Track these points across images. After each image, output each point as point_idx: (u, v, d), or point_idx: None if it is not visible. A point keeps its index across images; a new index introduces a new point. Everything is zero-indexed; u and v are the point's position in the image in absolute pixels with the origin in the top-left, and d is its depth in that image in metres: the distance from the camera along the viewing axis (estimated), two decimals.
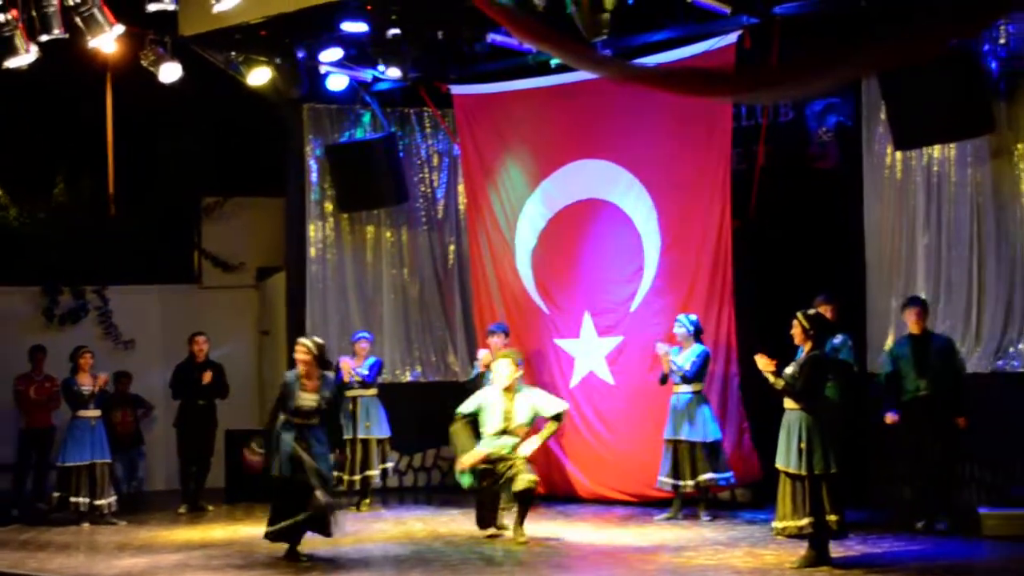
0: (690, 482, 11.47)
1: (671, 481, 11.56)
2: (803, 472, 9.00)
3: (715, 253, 12.20)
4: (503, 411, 10.59)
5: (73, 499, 12.20)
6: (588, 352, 13.06)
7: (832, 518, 9.00)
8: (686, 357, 11.55)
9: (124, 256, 15.33)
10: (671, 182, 12.59)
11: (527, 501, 10.50)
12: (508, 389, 10.64)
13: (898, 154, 11.71)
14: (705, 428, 11.46)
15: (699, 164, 12.33)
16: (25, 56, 11.04)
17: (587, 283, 13.16)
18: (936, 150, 11.47)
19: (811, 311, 9.43)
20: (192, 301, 15.35)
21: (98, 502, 12.25)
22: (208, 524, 12.07)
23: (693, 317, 11.70)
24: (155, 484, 14.85)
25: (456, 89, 13.99)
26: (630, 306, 12.82)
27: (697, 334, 11.64)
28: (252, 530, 11.30)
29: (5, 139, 15.23)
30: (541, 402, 10.75)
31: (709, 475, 11.43)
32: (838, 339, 10.99)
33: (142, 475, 14.51)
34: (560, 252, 13.38)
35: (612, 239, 13.02)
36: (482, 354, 12.32)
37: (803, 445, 8.99)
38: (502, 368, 10.68)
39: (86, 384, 12.35)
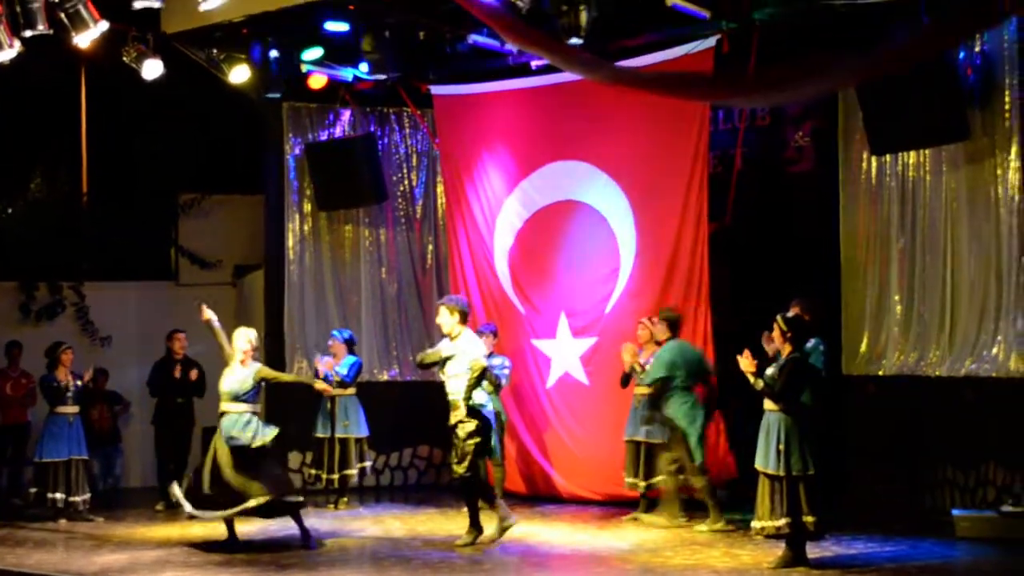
0: (643, 482, 11.53)
1: (633, 480, 11.64)
2: (781, 473, 9.11)
3: (691, 255, 12.27)
4: (445, 357, 10.43)
5: (50, 495, 12.18)
6: (564, 353, 13.13)
7: (809, 519, 9.11)
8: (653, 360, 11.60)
9: (101, 252, 15.29)
10: (648, 185, 12.66)
11: (464, 494, 10.47)
12: (451, 336, 10.43)
13: (874, 159, 11.84)
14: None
15: (676, 167, 12.39)
16: (8, 51, 11.02)
17: (563, 284, 13.22)
18: (911, 156, 11.60)
19: (790, 314, 9.56)
20: (169, 298, 15.26)
21: (73, 498, 12.24)
22: (186, 521, 11.97)
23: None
24: (131, 481, 14.79)
25: (436, 89, 14.04)
26: (605, 307, 12.90)
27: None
28: None
29: None
30: (469, 349, 10.43)
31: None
32: (810, 343, 11.02)
33: (119, 472, 14.48)
34: (537, 253, 13.45)
35: (588, 240, 13.09)
36: None
37: (781, 447, 9.11)
38: (440, 317, 10.48)
39: (64, 380, 12.34)
